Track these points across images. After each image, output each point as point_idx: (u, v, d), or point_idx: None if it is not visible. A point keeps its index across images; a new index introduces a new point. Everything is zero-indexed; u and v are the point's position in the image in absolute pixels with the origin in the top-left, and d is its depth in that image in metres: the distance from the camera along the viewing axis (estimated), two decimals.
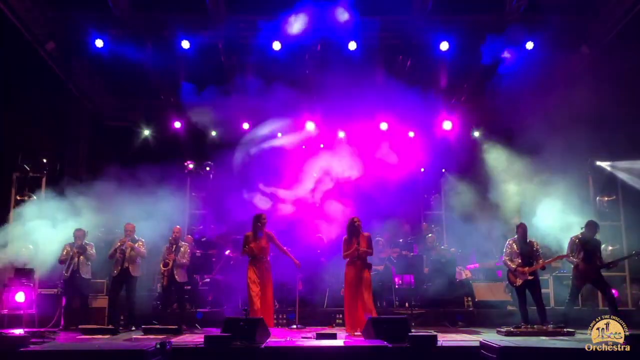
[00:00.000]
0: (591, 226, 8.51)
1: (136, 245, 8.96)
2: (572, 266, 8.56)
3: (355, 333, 7.83)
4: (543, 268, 8.67)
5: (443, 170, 12.84)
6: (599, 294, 9.57)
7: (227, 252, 10.92)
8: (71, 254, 8.97)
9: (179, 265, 8.99)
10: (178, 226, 9.42)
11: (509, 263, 8.53)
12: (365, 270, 8.12)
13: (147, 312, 9.31)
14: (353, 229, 8.18)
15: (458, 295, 10.18)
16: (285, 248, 8.72)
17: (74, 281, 8.94)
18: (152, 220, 9.72)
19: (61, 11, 10.28)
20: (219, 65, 11.40)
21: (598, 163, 11.00)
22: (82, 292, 9.09)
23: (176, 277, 8.95)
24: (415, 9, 10.48)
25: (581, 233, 8.56)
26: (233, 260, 10.72)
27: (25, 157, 10.22)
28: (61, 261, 9.03)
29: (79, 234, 9.10)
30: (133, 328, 8.61)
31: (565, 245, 8.86)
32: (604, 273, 8.58)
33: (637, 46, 9.66)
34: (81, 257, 9.00)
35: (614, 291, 8.56)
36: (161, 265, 9.02)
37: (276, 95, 11.06)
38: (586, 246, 8.42)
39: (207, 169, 12.53)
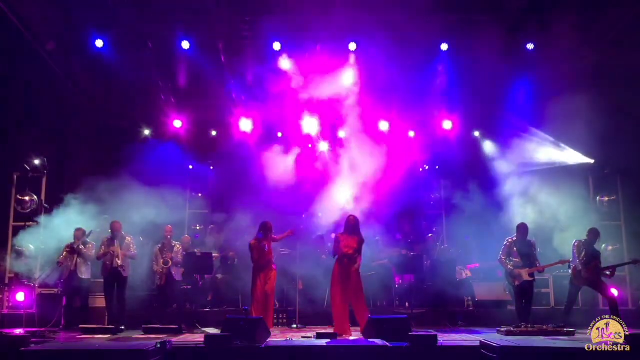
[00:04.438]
0: (593, 233, 8.61)
1: (125, 242, 8.89)
2: (572, 267, 8.59)
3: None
4: (542, 271, 8.71)
5: (439, 168, 12.85)
6: (599, 294, 9.59)
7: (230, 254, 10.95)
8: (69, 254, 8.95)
9: (175, 263, 9.06)
10: (169, 225, 9.43)
11: (506, 262, 8.54)
12: (351, 270, 7.99)
13: (147, 312, 9.30)
14: (347, 227, 8.17)
15: (458, 295, 10.19)
16: (276, 237, 8.76)
17: (73, 281, 8.94)
18: (152, 220, 9.74)
19: (61, 11, 10.27)
20: (219, 64, 11.39)
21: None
22: (81, 292, 9.08)
23: (174, 276, 9.01)
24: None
25: (584, 239, 8.64)
26: (231, 261, 10.76)
27: (25, 157, 10.22)
28: (59, 263, 9.00)
29: (78, 233, 9.08)
30: (122, 327, 8.46)
31: (565, 246, 8.89)
32: None
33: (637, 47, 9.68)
34: (79, 257, 8.98)
35: (615, 290, 8.58)
36: (162, 264, 9.03)
37: (276, 94, 11.08)
38: (588, 252, 8.51)
39: (212, 167, 12.56)
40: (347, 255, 8.03)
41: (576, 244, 8.63)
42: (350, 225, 8.15)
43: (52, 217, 9.80)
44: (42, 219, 10.09)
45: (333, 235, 8.27)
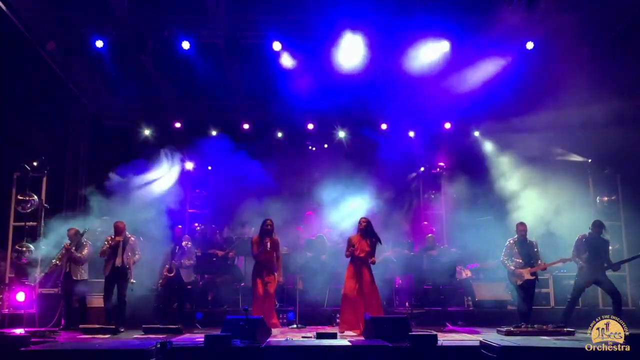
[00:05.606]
0: (597, 226, 8.55)
1: (129, 243, 8.80)
2: (578, 266, 8.57)
3: (346, 332, 7.88)
4: (544, 269, 8.70)
5: (439, 168, 12.85)
6: (599, 294, 9.58)
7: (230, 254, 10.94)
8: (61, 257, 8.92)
9: (186, 266, 9.07)
10: (180, 225, 9.40)
11: (508, 263, 8.55)
12: (364, 270, 8.10)
13: (148, 312, 9.29)
14: (359, 230, 8.28)
15: (458, 295, 10.18)
16: (279, 262, 8.72)
17: (67, 283, 8.92)
18: (152, 220, 9.74)
19: (61, 11, 10.27)
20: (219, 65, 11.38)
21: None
22: (77, 294, 9.02)
23: (183, 277, 9.06)
24: None
25: (588, 232, 8.58)
26: (230, 260, 10.74)
27: (25, 157, 10.22)
28: (47, 274, 8.94)
29: (71, 233, 9.02)
30: (121, 330, 8.34)
31: (565, 245, 8.87)
32: (608, 273, 8.59)
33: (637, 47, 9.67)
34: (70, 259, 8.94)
35: None
36: (167, 272, 9.01)
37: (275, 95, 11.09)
38: (592, 246, 8.44)
39: (209, 168, 12.56)
40: (360, 258, 8.15)
41: (578, 239, 8.59)
42: (362, 229, 8.23)
43: (52, 217, 9.79)
44: (42, 219, 10.08)
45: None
